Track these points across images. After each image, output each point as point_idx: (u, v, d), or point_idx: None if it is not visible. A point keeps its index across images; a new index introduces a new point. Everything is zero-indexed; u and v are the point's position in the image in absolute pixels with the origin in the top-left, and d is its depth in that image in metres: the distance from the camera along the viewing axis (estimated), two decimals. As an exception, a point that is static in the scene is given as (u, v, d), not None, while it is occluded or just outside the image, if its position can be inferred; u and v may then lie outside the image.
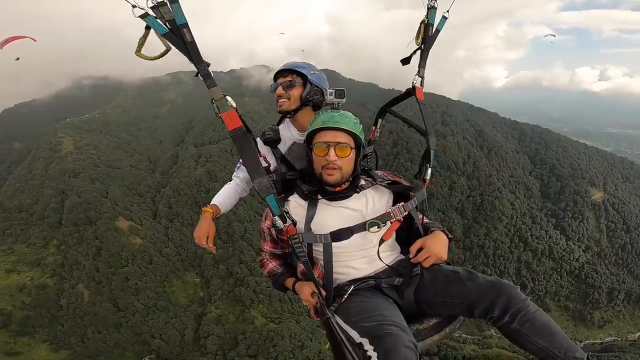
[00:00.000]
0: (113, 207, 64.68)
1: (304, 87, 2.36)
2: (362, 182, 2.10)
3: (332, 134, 1.93)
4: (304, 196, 2.06)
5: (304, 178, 2.21)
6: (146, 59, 1.69)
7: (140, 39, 1.64)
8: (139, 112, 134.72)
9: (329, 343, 1.69)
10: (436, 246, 1.97)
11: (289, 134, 2.48)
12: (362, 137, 1.99)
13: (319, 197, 2.02)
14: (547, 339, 1.67)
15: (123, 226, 61.89)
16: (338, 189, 2.00)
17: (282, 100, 2.35)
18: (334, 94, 2.18)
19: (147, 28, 1.59)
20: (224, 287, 58.28)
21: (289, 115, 2.42)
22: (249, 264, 59.90)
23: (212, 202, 2.37)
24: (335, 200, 2.02)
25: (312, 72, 2.37)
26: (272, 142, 2.44)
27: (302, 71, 2.34)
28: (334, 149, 1.91)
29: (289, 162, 2.44)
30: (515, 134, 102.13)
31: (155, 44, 1.59)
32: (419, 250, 1.98)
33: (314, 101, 2.36)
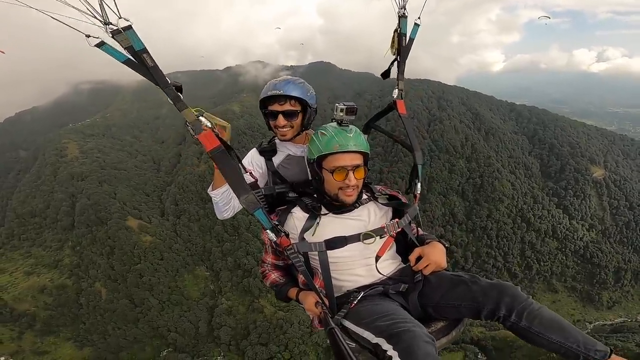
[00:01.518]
0: (122, 207, 66.19)
1: (304, 112, 2.32)
2: (363, 196, 2.15)
3: (350, 157, 1.94)
4: (306, 209, 2.09)
5: (298, 191, 2.29)
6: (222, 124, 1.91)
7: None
8: (139, 113, 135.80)
9: (332, 351, 1.71)
10: (435, 254, 2.00)
11: (283, 148, 2.46)
12: (369, 153, 2.04)
13: (324, 211, 2.07)
14: (560, 333, 1.68)
15: (133, 225, 63.42)
16: None
17: (285, 130, 2.28)
18: (344, 112, 2.00)
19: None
20: (233, 278, 59.80)
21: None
22: (256, 255, 61.25)
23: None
24: (340, 213, 2.08)
25: (308, 93, 2.31)
26: (268, 152, 2.42)
27: (301, 97, 2.26)
28: (353, 173, 1.93)
29: (280, 176, 2.41)
30: (513, 115, 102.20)
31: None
32: (418, 259, 2.03)
33: (311, 122, 2.37)
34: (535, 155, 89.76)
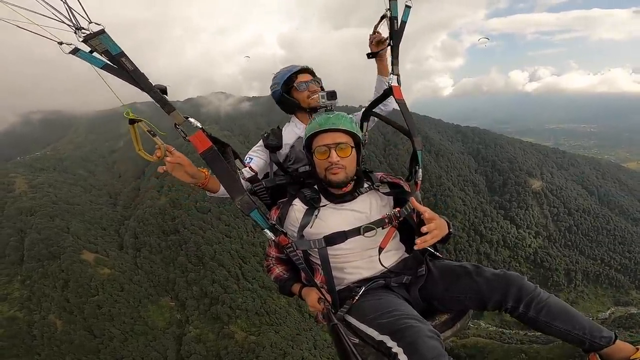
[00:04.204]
0: (76, 242, 63.20)
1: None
2: (365, 185, 2.10)
3: (331, 135, 1.92)
4: (305, 202, 2.06)
5: (298, 182, 2.28)
6: (149, 160, 1.72)
7: (132, 138, 1.64)
8: (94, 146, 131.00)
9: (335, 347, 1.71)
10: (439, 222, 1.77)
11: (295, 130, 2.54)
12: (360, 135, 2.00)
13: (324, 202, 2.04)
14: (567, 322, 1.71)
15: (89, 258, 60.66)
16: (345, 189, 2.02)
17: (317, 95, 2.31)
18: (325, 97, 2.11)
19: (131, 123, 1.58)
20: (200, 307, 58.56)
21: (308, 110, 2.51)
22: (222, 283, 60.76)
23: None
24: (340, 204, 2.03)
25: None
26: (273, 147, 2.44)
27: (313, 71, 2.60)
28: (335, 151, 1.90)
29: (284, 167, 2.45)
30: (459, 136, 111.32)
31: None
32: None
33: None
34: (481, 172, 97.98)
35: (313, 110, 2.49)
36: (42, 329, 50.83)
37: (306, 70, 2.54)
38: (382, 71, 2.73)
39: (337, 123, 1.94)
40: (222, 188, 2.02)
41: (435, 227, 1.70)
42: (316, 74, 2.59)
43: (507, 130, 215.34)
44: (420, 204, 1.89)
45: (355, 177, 2.04)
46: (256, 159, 2.45)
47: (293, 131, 2.55)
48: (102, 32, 1.39)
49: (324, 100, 2.13)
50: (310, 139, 2.00)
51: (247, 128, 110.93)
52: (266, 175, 2.52)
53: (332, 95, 2.12)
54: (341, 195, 2.05)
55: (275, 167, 2.49)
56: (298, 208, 2.07)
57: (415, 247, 1.68)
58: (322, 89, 2.54)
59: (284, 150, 2.51)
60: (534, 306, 1.73)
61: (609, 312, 69.28)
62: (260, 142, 2.50)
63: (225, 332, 54.24)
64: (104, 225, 74.22)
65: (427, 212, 1.75)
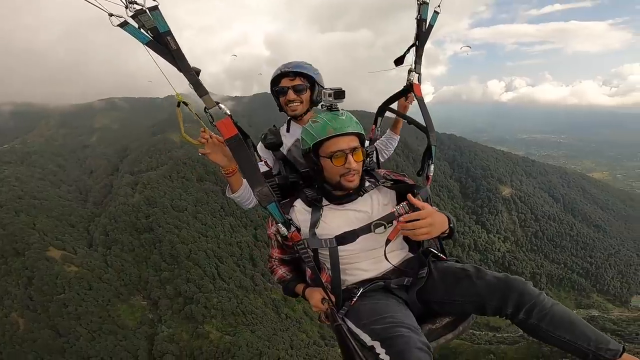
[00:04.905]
0: (42, 238, 60.79)
1: (312, 89, 2.40)
2: (366, 183, 2.04)
3: (346, 140, 1.86)
4: (307, 202, 2.02)
5: (307, 181, 2.21)
6: (193, 143, 1.81)
7: (178, 121, 1.73)
8: (65, 140, 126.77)
9: (339, 347, 1.70)
10: (437, 220, 1.68)
11: (295, 131, 2.46)
12: (364, 135, 1.97)
13: (325, 202, 2.00)
14: (570, 332, 1.61)
15: (55, 255, 58.40)
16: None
17: (295, 104, 2.35)
18: (332, 96, 1.93)
19: (178, 105, 1.67)
20: (173, 306, 57.44)
21: (298, 118, 2.43)
22: (197, 282, 59.80)
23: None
24: (342, 204, 1.98)
25: (315, 72, 2.40)
26: (274, 146, 2.40)
27: (309, 73, 2.36)
28: (352, 156, 1.85)
29: (290, 163, 2.39)
30: (436, 143, 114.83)
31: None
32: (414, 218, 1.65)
33: (319, 101, 2.37)
34: (455, 178, 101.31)
35: (294, 117, 2.46)
36: (3, 327, 48.98)
37: (287, 74, 2.37)
38: (395, 128, 2.88)
39: (351, 126, 1.88)
40: (241, 189, 2.08)
41: (422, 219, 1.63)
42: (310, 75, 2.40)
43: (483, 138, 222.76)
44: (429, 200, 1.96)
45: None
46: (263, 159, 2.40)
47: (290, 134, 2.52)
48: (156, 7, 1.44)
49: (330, 99, 1.96)
50: (319, 142, 1.89)
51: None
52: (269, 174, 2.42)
53: (339, 94, 1.96)
54: (340, 197, 1.99)
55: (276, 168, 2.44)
56: (299, 209, 2.04)
57: (394, 230, 1.72)
58: (313, 92, 2.45)
59: (284, 150, 2.46)
60: (535, 313, 1.64)
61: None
62: (260, 145, 2.44)
63: (199, 332, 53.35)
64: (72, 222, 71.73)
65: (423, 206, 1.69)
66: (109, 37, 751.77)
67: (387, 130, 2.91)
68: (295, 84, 2.35)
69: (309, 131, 1.94)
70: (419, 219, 1.64)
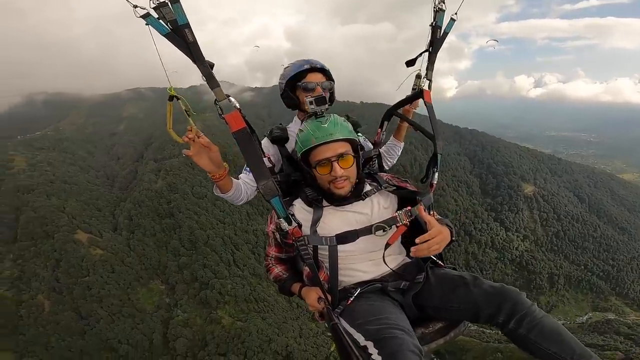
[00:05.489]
0: (71, 221, 64.22)
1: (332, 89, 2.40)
2: (367, 187, 2.05)
3: (331, 147, 1.84)
4: (307, 202, 2.02)
5: (308, 181, 2.12)
6: (177, 140, 1.75)
7: (167, 115, 1.73)
8: (95, 128, 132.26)
9: (335, 346, 1.71)
10: (444, 234, 1.71)
11: (297, 129, 2.32)
12: (357, 139, 1.95)
13: (325, 203, 1.99)
14: (557, 345, 1.60)
15: (82, 238, 61.60)
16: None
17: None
18: (314, 103, 1.93)
19: (170, 100, 1.67)
20: (189, 291, 59.59)
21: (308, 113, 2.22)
22: (213, 268, 61.82)
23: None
24: (341, 206, 1.98)
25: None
26: (280, 140, 2.38)
27: (331, 75, 2.37)
28: (338, 164, 1.84)
29: (295, 161, 2.31)
30: (456, 137, 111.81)
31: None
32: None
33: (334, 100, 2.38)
34: (475, 174, 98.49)
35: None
36: (29, 309, 51.62)
37: (319, 70, 2.35)
38: (398, 134, 2.81)
39: (334, 132, 1.85)
40: (231, 191, 2.04)
41: (433, 238, 1.65)
42: (332, 76, 2.42)
43: (508, 134, 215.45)
44: (432, 208, 1.99)
45: (356, 181, 1.99)
46: (268, 153, 2.40)
47: (295, 131, 2.42)
48: (177, 0, 1.49)
49: (312, 107, 1.95)
50: (306, 152, 1.91)
51: (247, 118, 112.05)
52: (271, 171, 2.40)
53: (320, 100, 1.96)
54: (340, 200, 1.98)
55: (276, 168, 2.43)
56: (298, 208, 2.04)
57: (411, 254, 1.68)
58: (332, 94, 2.44)
59: (290, 145, 2.41)
60: (525, 324, 1.65)
61: (586, 317, 70.36)
62: (265, 140, 2.45)
63: (212, 317, 55.13)
64: (99, 206, 75.34)
65: (431, 223, 1.69)
66: (134, 31, 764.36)
67: (390, 137, 2.87)
68: (323, 81, 2.34)
69: (297, 142, 1.97)
70: (429, 239, 1.65)
